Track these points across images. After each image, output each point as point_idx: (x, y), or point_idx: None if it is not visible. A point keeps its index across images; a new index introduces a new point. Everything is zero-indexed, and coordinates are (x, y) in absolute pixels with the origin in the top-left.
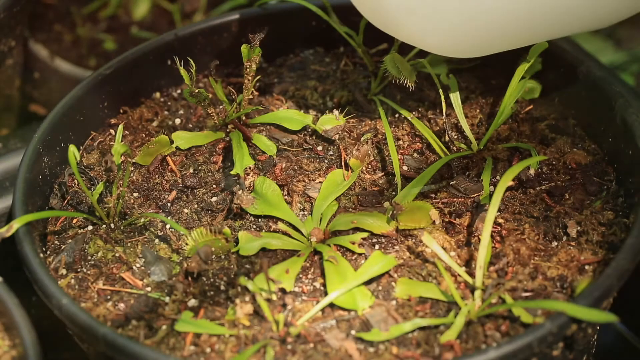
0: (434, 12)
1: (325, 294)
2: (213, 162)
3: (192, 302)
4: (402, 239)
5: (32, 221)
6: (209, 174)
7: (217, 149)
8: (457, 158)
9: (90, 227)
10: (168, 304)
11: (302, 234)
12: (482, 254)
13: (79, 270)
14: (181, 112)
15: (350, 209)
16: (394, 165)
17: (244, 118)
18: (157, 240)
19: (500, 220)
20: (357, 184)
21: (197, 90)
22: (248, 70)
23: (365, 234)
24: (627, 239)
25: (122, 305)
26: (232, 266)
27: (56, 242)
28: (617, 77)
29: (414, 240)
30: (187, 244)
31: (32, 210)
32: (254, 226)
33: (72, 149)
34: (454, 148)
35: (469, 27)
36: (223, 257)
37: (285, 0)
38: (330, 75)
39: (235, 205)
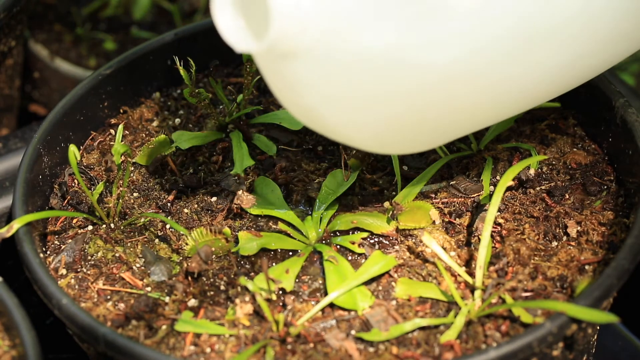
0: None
1: (325, 294)
2: (213, 162)
3: (192, 302)
4: (402, 239)
5: (32, 221)
6: (209, 174)
7: (217, 149)
8: (457, 158)
9: (90, 227)
10: (168, 304)
11: (302, 234)
12: (482, 254)
13: (79, 270)
14: (181, 112)
15: (351, 209)
16: (394, 165)
17: (244, 118)
18: (157, 240)
19: (500, 220)
20: (357, 184)
21: (197, 90)
22: (248, 70)
23: (365, 234)
24: (627, 239)
25: (122, 305)
26: (232, 266)
27: (56, 242)
28: (617, 77)
29: (414, 240)
30: (187, 244)
31: (32, 210)
32: (254, 226)
33: (72, 148)
34: (454, 148)
35: (402, 120)
36: (223, 257)
37: None
38: None
39: (235, 205)
